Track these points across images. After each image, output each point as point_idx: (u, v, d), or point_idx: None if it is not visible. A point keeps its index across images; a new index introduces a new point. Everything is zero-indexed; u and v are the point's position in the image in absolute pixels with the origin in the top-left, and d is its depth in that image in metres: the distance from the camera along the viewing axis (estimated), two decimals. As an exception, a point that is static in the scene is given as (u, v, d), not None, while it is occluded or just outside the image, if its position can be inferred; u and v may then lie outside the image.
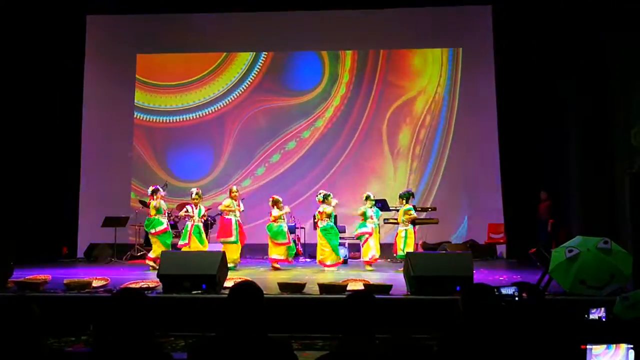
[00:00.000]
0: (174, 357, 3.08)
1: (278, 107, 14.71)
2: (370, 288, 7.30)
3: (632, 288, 6.59)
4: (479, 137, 13.97)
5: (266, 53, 14.90)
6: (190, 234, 10.67)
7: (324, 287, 7.22)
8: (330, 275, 9.71)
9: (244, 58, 14.96)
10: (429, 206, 13.29)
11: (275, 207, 11.02)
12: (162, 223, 10.80)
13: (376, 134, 14.48)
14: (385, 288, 7.23)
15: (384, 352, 3.02)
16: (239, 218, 10.98)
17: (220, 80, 14.95)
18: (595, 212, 11.18)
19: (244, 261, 11.30)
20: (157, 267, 8.13)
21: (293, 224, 12.67)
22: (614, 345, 3.09)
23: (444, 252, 11.54)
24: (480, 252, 12.71)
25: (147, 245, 12.17)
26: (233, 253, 10.34)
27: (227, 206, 10.98)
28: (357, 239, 11.27)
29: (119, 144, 14.69)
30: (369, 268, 10.76)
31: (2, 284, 7.64)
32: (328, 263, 10.60)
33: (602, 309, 4.46)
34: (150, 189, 11.04)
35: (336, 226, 11.66)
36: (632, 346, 3.10)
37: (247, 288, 3.18)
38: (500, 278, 9.01)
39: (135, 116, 14.89)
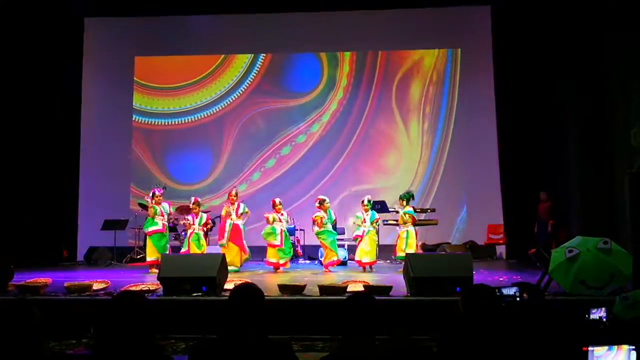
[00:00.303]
0: (175, 360, 3.08)
1: (277, 108, 14.71)
2: (370, 289, 7.31)
3: (632, 288, 6.60)
4: (478, 138, 13.96)
5: (264, 55, 14.90)
6: (189, 241, 10.78)
7: (324, 289, 7.22)
8: (330, 277, 9.71)
9: (242, 60, 14.96)
10: (428, 207, 13.29)
11: (273, 209, 11.10)
12: (155, 224, 10.86)
13: (375, 135, 14.48)
14: (385, 289, 7.23)
15: (384, 354, 3.02)
16: (236, 221, 10.98)
17: (219, 83, 14.95)
18: (595, 212, 11.18)
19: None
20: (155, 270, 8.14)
21: (292, 226, 12.67)
22: (616, 346, 3.10)
23: (443, 253, 11.55)
24: (480, 252, 12.72)
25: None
26: (228, 255, 10.30)
27: (226, 211, 11.15)
28: (354, 240, 11.33)
29: (118, 146, 14.69)
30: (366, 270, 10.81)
31: (2, 288, 7.63)
32: (325, 262, 10.72)
33: (603, 309, 4.47)
34: (150, 193, 11.08)
35: (336, 228, 11.73)
36: (633, 347, 3.10)
37: (248, 290, 3.19)
38: (500, 279, 9.01)
39: (133, 119, 14.88)
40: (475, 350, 3.07)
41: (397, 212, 11.40)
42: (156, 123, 14.95)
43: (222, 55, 15.00)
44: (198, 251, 10.68)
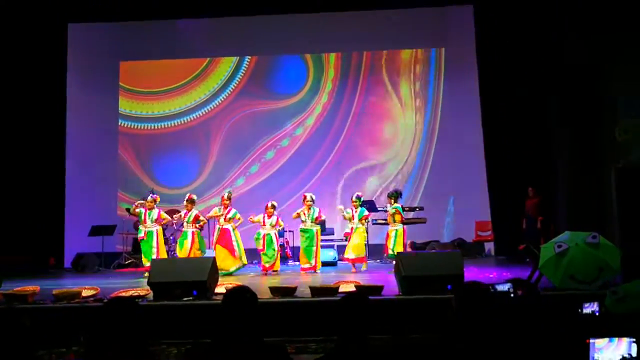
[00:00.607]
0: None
1: (263, 111, 14.69)
2: (361, 289, 7.30)
3: (621, 281, 6.64)
4: (464, 136, 13.99)
5: (250, 57, 14.88)
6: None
7: (315, 290, 7.21)
8: (320, 278, 9.70)
9: (228, 63, 14.93)
10: (416, 206, 13.31)
11: (265, 212, 11.10)
12: (140, 231, 10.85)
13: (361, 134, 14.50)
14: (377, 289, 7.23)
15: (380, 353, 3.01)
16: (224, 225, 10.95)
17: (205, 86, 14.91)
18: (582, 207, 11.24)
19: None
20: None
21: (282, 228, 12.64)
22: (617, 338, 3.12)
23: (433, 251, 11.56)
24: (469, 250, 12.72)
25: (135, 253, 12.10)
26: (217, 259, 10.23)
27: (215, 213, 11.13)
28: (345, 239, 11.37)
29: (104, 152, 14.60)
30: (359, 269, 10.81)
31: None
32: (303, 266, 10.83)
33: (595, 303, 4.49)
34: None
35: (325, 229, 11.77)
36: (634, 340, 3.12)
37: (241, 293, 3.16)
38: (490, 275, 9.04)
39: (119, 124, 14.82)
40: (473, 348, 3.06)
41: (386, 210, 11.41)
42: (142, 127, 14.88)
43: (208, 59, 14.97)
44: (180, 250, 10.66)
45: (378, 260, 12.18)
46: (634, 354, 3.18)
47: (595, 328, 4.21)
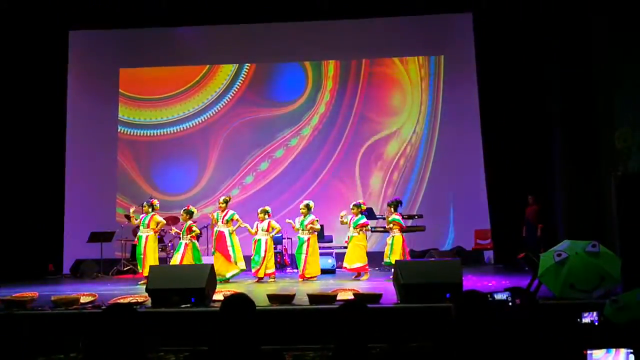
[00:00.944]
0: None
1: (262, 118, 14.71)
2: (360, 297, 7.28)
3: (622, 290, 6.62)
4: (463, 144, 14.00)
5: (249, 65, 14.91)
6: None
7: (313, 298, 7.19)
8: (318, 286, 9.69)
9: (227, 70, 14.96)
10: (415, 214, 13.30)
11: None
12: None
13: (361, 142, 14.50)
14: (375, 297, 7.21)
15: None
16: (221, 228, 10.95)
17: (204, 93, 14.93)
18: (582, 215, 11.23)
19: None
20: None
21: (280, 235, 12.64)
22: (614, 349, 3.11)
23: (432, 259, 11.55)
24: (468, 258, 12.70)
25: (133, 259, 12.08)
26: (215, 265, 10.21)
27: (213, 218, 11.21)
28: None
29: (104, 158, 14.61)
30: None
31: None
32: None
33: (594, 312, 4.47)
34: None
35: (323, 236, 11.77)
36: (631, 351, 3.11)
37: (239, 300, 3.15)
38: (489, 284, 9.02)
39: (119, 130, 14.83)
40: (471, 356, 3.05)
41: (385, 218, 11.41)
42: (141, 134, 14.89)
43: (207, 66, 15.00)
44: (173, 262, 10.70)
45: (377, 268, 12.16)
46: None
47: (594, 338, 4.20)
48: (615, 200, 7.99)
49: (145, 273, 10.68)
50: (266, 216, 11.04)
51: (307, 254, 10.83)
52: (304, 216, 11.02)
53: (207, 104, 14.88)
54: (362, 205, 11.17)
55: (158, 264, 10.77)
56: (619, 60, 9.90)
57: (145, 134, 14.90)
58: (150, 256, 10.73)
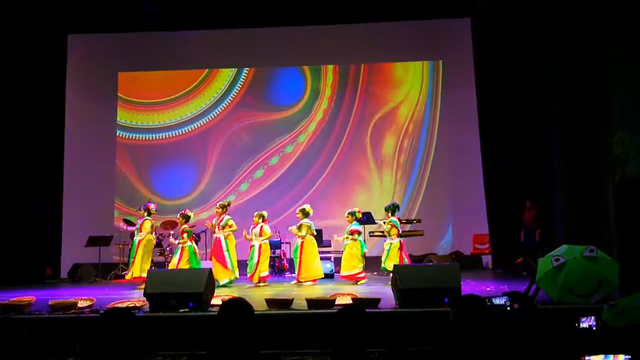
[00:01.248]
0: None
1: (261, 122, 14.72)
2: (358, 302, 7.28)
3: (619, 295, 6.62)
4: (461, 148, 14.01)
5: (248, 69, 14.92)
6: None
7: (312, 302, 7.18)
8: (316, 290, 9.68)
9: (226, 74, 14.97)
10: (413, 218, 13.30)
11: None
12: None
13: (359, 147, 14.52)
14: (374, 301, 7.20)
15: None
16: (217, 234, 10.96)
17: (203, 97, 14.94)
18: (580, 220, 11.23)
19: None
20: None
21: (278, 239, 12.63)
22: (612, 355, 3.10)
23: (431, 263, 11.55)
24: (466, 263, 12.72)
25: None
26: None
27: (210, 224, 11.27)
28: None
29: (102, 162, 14.61)
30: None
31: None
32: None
33: (592, 317, 4.48)
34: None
35: (322, 241, 11.81)
36: (629, 357, 3.11)
37: (238, 305, 3.15)
38: (488, 289, 9.02)
39: (117, 134, 14.83)
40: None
41: (384, 222, 11.41)
42: (140, 138, 14.89)
43: (206, 70, 15.01)
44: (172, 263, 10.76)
45: (375, 273, 12.15)
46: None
47: (592, 343, 4.20)
48: (613, 206, 8.00)
49: (129, 276, 10.75)
50: (260, 220, 11.05)
51: (300, 258, 10.88)
52: (300, 220, 11.07)
53: (206, 108, 14.89)
54: (356, 213, 11.20)
55: (149, 267, 10.75)
56: (618, 63, 9.90)
57: (143, 138, 14.90)
58: (138, 260, 10.74)
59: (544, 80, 12.63)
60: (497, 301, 4.91)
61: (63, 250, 13.81)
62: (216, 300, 7.56)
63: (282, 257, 12.83)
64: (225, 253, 10.78)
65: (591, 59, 10.88)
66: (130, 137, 14.87)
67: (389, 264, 10.38)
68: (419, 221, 12.91)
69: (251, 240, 10.93)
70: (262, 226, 11.00)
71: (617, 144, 9.32)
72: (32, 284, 11.48)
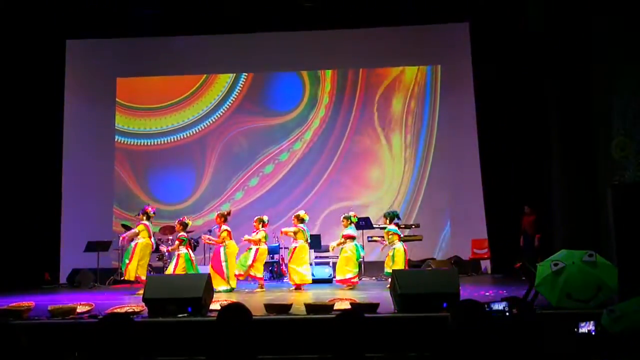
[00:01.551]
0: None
1: (260, 127, 14.74)
2: (357, 307, 7.27)
3: (618, 300, 6.61)
4: (460, 153, 14.04)
5: (246, 74, 14.94)
6: None
7: (310, 307, 7.17)
8: (315, 295, 9.67)
9: (224, 80, 15.00)
10: (412, 223, 13.31)
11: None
12: None
13: (358, 151, 14.54)
14: (372, 306, 7.19)
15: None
16: (222, 243, 10.98)
17: (201, 103, 14.96)
18: (578, 224, 11.23)
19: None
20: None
21: (277, 245, 12.63)
22: (611, 360, 3.11)
23: (429, 268, 11.54)
24: (465, 267, 12.73)
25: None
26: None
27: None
28: None
29: (100, 167, 14.62)
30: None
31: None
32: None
33: (591, 322, 4.47)
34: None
35: (320, 245, 11.81)
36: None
37: (236, 310, 3.15)
38: (487, 293, 9.00)
39: (116, 139, 14.84)
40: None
41: (382, 228, 11.40)
42: (138, 143, 14.91)
43: (204, 75, 15.04)
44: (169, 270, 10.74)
45: (374, 278, 12.15)
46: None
47: (591, 348, 4.19)
48: (612, 210, 7.98)
49: (127, 277, 10.72)
50: (260, 225, 11.06)
51: (289, 262, 10.96)
52: (296, 226, 11.10)
53: (205, 113, 14.91)
54: (352, 217, 11.20)
55: (144, 271, 10.72)
56: (618, 68, 9.92)
57: (142, 144, 14.91)
58: (134, 263, 10.70)
59: (542, 84, 12.65)
60: (496, 306, 4.90)
61: (62, 256, 13.83)
62: (215, 305, 7.55)
63: (281, 262, 12.82)
64: (224, 264, 10.74)
65: (591, 61, 10.89)
66: (129, 143, 14.89)
67: (394, 268, 10.35)
68: (417, 226, 12.93)
69: (257, 242, 10.96)
70: (258, 231, 11.02)
71: (617, 148, 9.32)
72: (31, 289, 11.46)
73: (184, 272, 10.53)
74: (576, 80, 11.38)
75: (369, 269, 12.39)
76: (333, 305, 7.31)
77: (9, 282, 11.51)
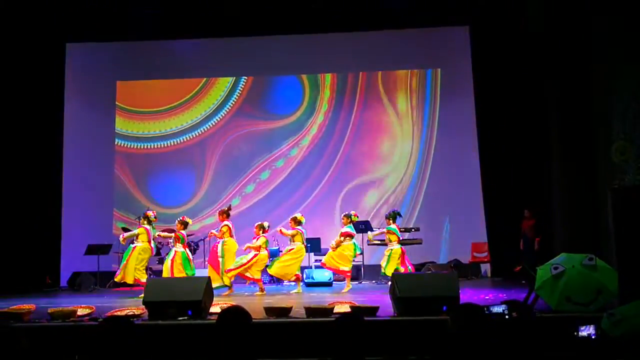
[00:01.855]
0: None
1: (260, 130, 14.76)
2: (356, 310, 7.27)
3: (619, 304, 6.61)
4: (459, 157, 14.05)
5: (246, 78, 14.97)
6: None
7: (310, 311, 7.17)
8: (314, 298, 9.67)
9: (224, 83, 15.01)
10: (412, 226, 13.31)
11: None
12: None
13: (357, 154, 14.55)
14: (372, 310, 7.19)
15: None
16: (218, 241, 11.00)
17: (201, 106, 14.98)
18: (578, 228, 11.22)
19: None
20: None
21: (277, 248, 12.63)
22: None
23: (429, 272, 11.55)
24: (465, 271, 12.74)
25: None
26: None
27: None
28: None
29: (101, 171, 14.65)
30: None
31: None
32: None
33: (592, 326, 4.47)
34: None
35: (319, 248, 11.86)
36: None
37: (236, 313, 3.16)
38: (486, 297, 9.01)
39: (116, 143, 14.85)
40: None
41: (384, 231, 11.39)
42: (138, 147, 14.93)
43: (204, 79, 15.06)
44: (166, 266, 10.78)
45: (374, 281, 12.15)
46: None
47: (591, 351, 4.20)
48: (612, 214, 7.98)
49: (123, 279, 10.71)
50: (260, 232, 11.05)
51: (282, 257, 10.99)
52: (292, 228, 11.12)
53: (205, 116, 14.93)
54: (352, 216, 11.23)
55: (144, 275, 10.72)
56: (618, 69, 9.91)
57: (142, 147, 14.94)
58: (131, 266, 10.68)
59: (542, 86, 12.65)
60: (496, 309, 4.91)
61: (62, 259, 13.84)
62: (215, 309, 7.55)
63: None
64: (220, 259, 10.78)
65: (591, 62, 10.88)
66: (129, 146, 14.91)
67: (389, 270, 10.39)
68: (417, 229, 12.92)
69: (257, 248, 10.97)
70: (259, 238, 11.02)
71: (616, 152, 9.32)
72: (32, 292, 11.47)
73: (180, 269, 10.56)
74: (576, 81, 11.37)
75: (370, 272, 12.39)
76: (333, 308, 7.31)
77: (10, 285, 11.51)
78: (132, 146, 14.93)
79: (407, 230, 12.83)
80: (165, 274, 10.62)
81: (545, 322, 6.40)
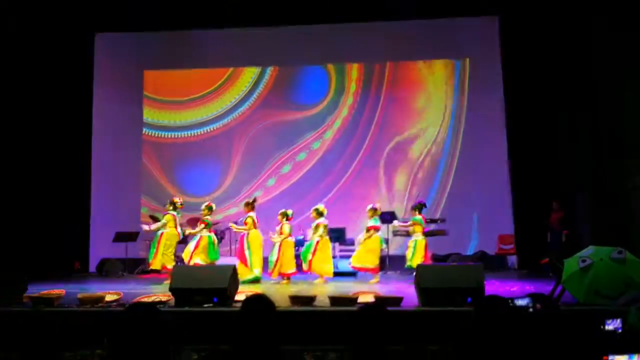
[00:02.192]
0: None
1: (285, 121, 14.77)
2: (380, 300, 7.29)
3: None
4: (487, 147, 13.92)
5: (272, 68, 14.98)
6: None
7: (334, 300, 7.21)
8: (339, 288, 9.69)
9: (250, 73, 15.05)
10: (438, 217, 13.25)
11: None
12: None
13: (384, 144, 14.49)
14: (396, 300, 7.20)
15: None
16: (242, 233, 11.07)
17: (227, 96, 15.04)
18: (607, 221, 11.10)
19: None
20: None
21: (302, 237, 12.65)
22: (636, 355, 3.07)
23: (454, 263, 11.50)
24: (491, 263, 12.63)
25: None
26: None
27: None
28: None
29: (129, 159, 14.80)
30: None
31: (18, 299, 7.66)
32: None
33: (618, 320, 4.42)
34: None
35: (345, 239, 11.84)
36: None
37: (259, 301, 3.20)
38: (512, 289, 8.96)
39: (143, 132, 15.00)
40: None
41: (409, 223, 11.36)
42: (166, 136, 15.05)
43: (230, 69, 15.11)
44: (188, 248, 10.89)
45: (398, 272, 12.13)
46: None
47: (617, 345, 4.17)
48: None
49: (154, 266, 10.80)
50: (284, 219, 11.09)
51: (313, 255, 10.89)
52: (315, 220, 11.09)
53: (231, 106, 15.00)
54: (377, 210, 11.19)
55: (171, 261, 10.82)
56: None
57: (169, 136, 15.06)
58: (160, 253, 10.79)
59: (573, 80, 12.51)
60: (520, 302, 4.88)
61: (91, 246, 14.04)
62: (240, 296, 7.61)
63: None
64: (247, 251, 10.82)
65: (619, 59, 10.74)
66: (156, 135, 15.04)
67: (415, 261, 10.34)
68: (443, 221, 12.85)
69: (271, 238, 11.02)
70: (282, 225, 11.05)
71: None
72: (62, 277, 11.65)
73: (204, 254, 10.64)
74: (607, 75, 11.23)
75: (394, 262, 12.37)
76: (357, 298, 7.34)
77: (41, 271, 11.69)
78: (159, 135, 15.07)
79: (433, 221, 12.77)
80: (186, 257, 10.69)
81: (571, 315, 6.36)
